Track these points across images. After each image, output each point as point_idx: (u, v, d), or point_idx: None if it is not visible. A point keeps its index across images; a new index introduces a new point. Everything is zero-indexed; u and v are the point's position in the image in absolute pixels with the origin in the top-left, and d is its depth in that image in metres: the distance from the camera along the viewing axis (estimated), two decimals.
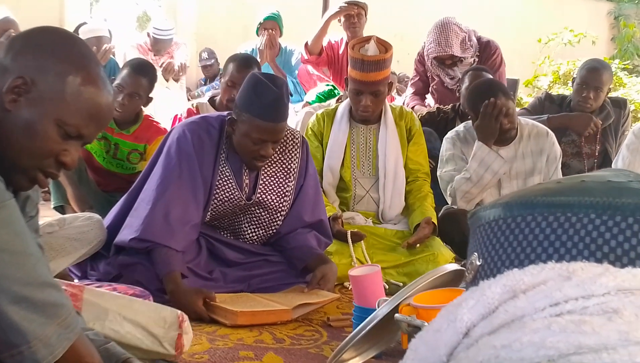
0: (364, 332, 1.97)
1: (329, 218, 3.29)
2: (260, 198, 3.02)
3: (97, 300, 1.95)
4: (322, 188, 3.53)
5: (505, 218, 0.79)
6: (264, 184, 3.04)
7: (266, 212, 3.06)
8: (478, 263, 0.81)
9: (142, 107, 3.97)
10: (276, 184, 3.06)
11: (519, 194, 0.81)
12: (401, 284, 3.22)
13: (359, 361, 2.20)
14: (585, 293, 0.67)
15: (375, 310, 2.04)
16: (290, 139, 3.12)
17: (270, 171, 3.06)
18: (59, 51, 1.52)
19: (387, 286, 3.04)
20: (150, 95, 3.93)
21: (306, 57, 5.50)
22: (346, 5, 5.37)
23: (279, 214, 3.07)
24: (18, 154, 1.48)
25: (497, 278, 0.74)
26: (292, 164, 3.10)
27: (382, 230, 3.59)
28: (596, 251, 0.73)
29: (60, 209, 3.84)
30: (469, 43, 5.03)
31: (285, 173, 3.09)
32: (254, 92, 2.83)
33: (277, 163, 3.08)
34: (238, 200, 2.98)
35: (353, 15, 5.35)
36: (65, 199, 3.80)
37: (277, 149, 3.06)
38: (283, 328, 2.56)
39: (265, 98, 2.79)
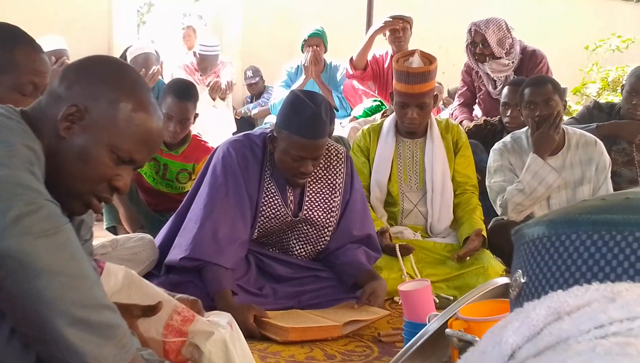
0: (415, 347, 1.96)
1: (377, 232, 3.29)
2: (307, 215, 3.04)
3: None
4: (369, 203, 3.54)
5: (550, 236, 0.79)
6: (310, 201, 3.05)
7: (313, 228, 3.07)
8: (522, 281, 0.81)
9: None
10: (322, 201, 3.07)
11: (563, 211, 0.81)
12: (451, 298, 3.20)
13: None
14: (630, 315, 0.66)
15: (426, 325, 2.03)
16: (334, 155, 3.13)
17: (316, 187, 3.08)
18: (110, 79, 1.56)
19: (437, 300, 3.02)
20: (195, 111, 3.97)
21: (351, 72, 5.49)
22: (391, 19, 5.35)
23: (326, 230, 3.08)
24: (72, 180, 1.52)
25: (542, 299, 0.74)
26: (337, 180, 3.11)
27: (431, 243, 3.57)
28: None
29: (113, 229, 3.91)
30: (508, 48, 4.96)
31: (330, 189, 3.10)
32: (291, 110, 2.85)
33: (321, 179, 3.09)
34: (284, 216, 3.00)
35: (398, 30, 5.33)
36: (118, 220, 3.87)
37: (321, 166, 3.07)
38: (334, 344, 2.57)
39: (303, 115, 2.80)
